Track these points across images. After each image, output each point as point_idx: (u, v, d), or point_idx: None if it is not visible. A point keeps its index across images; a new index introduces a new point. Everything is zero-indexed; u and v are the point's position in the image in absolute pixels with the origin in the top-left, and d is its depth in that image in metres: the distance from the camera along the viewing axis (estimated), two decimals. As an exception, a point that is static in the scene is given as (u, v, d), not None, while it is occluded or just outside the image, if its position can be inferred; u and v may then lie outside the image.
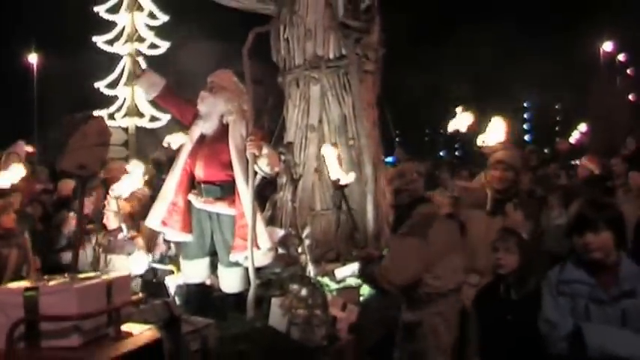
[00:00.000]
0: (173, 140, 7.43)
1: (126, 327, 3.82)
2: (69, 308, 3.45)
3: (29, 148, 9.85)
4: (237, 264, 6.62)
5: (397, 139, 11.26)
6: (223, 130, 6.72)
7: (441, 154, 46.62)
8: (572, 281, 3.53)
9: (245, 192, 6.52)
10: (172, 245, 7.35)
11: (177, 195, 6.73)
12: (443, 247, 5.17)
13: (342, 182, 7.96)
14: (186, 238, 6.76)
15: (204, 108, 6.79)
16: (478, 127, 6.35)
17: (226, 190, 6.62)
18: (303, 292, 5.96)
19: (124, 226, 7.02)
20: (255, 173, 6.72)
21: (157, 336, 3.89)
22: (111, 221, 7.06)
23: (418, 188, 5.26)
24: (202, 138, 6.80)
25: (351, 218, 8.31)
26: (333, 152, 8.06)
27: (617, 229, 3.54)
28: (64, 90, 30.68)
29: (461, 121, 6.29)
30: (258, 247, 6.49)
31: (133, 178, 7.03)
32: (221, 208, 6.67)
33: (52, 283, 3.65)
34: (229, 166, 6.60)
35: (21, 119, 31.65)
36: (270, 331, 6.10)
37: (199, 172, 6.72)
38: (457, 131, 6.33)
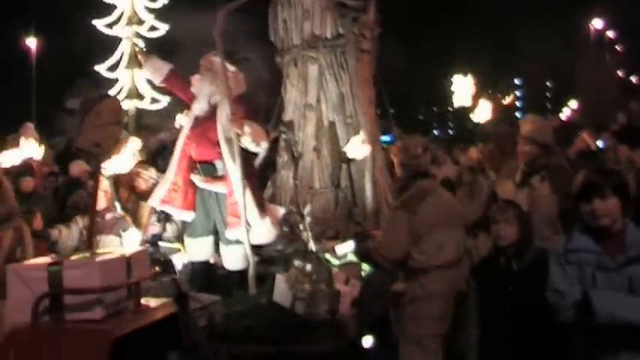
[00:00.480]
0: (182, 121, 7.51)
1: (143, 300, 3.93)
2: (92, 282, 3.55)
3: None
4: (237, 241, 6.75)
5: (393, 119, 11.32)
6: (212, 111, 6.84)
7: (435, 132, 46.69)
8: (579, 250, 3.60)
9: (232, 170, 6.63)
10: (167, 226, 7.47)
11: (176, 175, 6.88)
12: (430, 222, 5.31)
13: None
14: (188, 216, 6.92)
15: (195, 90, 7.00)
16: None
17: (222, 169, 6.76)
18: (308, 267, 6.06)
19: (117, 204, 7.10)
20: (251, 153, 6.83)
21: (173, 309, 4.00)
22: (99, 201, 7.07)
23: (422, 163, 5.38)
24: (196, 119, 6.96)
25: (352, 194, 8.43)
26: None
27: (623, 195, 3.60)
28: (64, 73, 30.70)
29: (462, 90, 6.43)
30: (249, 225, 6.59)
31: (124, 157, 7.07)
32: (219, 187, 6.79)
33: (73, 258, 3.75)
34: (218, 144, 6.73)
35: (20, 103, 31.59)
36: (274, 307, 6.21)
37: (193, 152, 6.89)
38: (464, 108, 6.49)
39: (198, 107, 6.93)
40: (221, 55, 6.71)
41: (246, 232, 6.56)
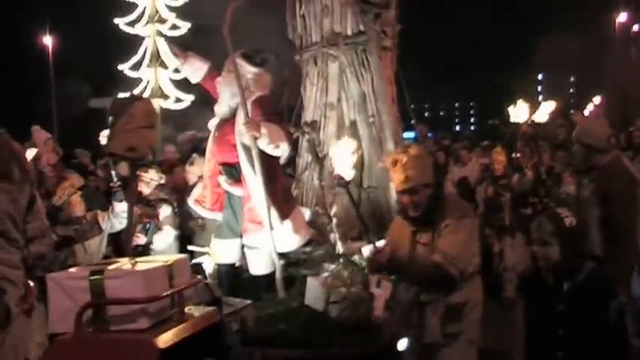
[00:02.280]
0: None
1: (186, 309, 3.81)
2: (135, 291, 3.43)
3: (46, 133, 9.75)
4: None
5: (414, 118, 11.19)
6: (233, 114, 6.78)
7: (457, 128, 46.64)
8: None
9: (250, 174, 6.56)
10: (156, 238, 7.35)
11: (207, 176, 6.96)
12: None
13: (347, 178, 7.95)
14: (215, 216, 6.96)
15: (218, 93, 6.92)
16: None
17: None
18: (343, 270, 5.97)
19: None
20: (272, 155, 6.71)
21: (217, 318, 3.89)
22: (76, 209, 6.97)
23: None
24: (219, 122, 6.95)
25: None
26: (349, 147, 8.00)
27: None
28: (85, 72, 30.76)
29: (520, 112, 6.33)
30: (272, 227, 6.51)
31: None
32: (240, 190, 6.74)
33: (111, 267, 3.63)
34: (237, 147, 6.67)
35: (38, 103, 31.71)
36: (307, 310, 6.12)
37: (216, 155, 6.89)
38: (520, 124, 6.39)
39: (220, 110, 6.88)
40: (231, 53, 6.59)
41: (270, 236, 6.45)
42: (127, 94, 21.18)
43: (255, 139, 6.48)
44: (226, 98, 6.80)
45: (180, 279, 3.77)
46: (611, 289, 3.99)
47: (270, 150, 6.64)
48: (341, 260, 6.54)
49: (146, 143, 4.18)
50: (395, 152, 4.44)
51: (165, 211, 7.53)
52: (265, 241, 6.52)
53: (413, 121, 11.23)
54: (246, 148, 6.57)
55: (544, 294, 4.24)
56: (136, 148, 4.13)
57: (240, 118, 6.63)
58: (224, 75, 6.87)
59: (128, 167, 4.71)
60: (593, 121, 5.95)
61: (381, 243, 4.67)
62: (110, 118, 4.16)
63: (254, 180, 6.51)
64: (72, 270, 3.79)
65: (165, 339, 3.39)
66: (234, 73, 6.57)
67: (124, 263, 3.75)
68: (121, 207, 6.62)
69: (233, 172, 6.79)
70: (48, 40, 34.15)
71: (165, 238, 7.46)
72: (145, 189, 7.50)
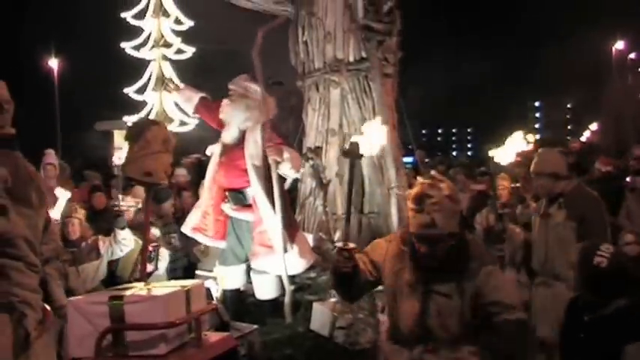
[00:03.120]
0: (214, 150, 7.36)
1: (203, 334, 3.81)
2: (154, 317, 3.44)
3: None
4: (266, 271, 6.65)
5: (413, 143, 11.24)
6: (242, 138, 6.75)
7: (454, 154, 46.87)
8: None
9: (263, 198, 6.53)
10: (159, 264, 7.28)
11: (208, 203, 6.84)
12: None
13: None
14: (219, 244, 6.82)
15: (225, 117, 6.84)
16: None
17: (251, 197, 6.68)
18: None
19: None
20: (283, 178, 6.73)
21: (233, 343, 3.90)
22: (75, 231, 6.74)
23: None
24: (224, 146, 6.85)
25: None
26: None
27: None
28: (90, 95, 30.90)
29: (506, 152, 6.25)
30: (286, 251, 6.48)
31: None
32: (249, 215, 6.70)
33: (131, 292, 3.64)
34: (247, 172, 6.63)
35: (44, 125, 31.77)
36: (312, 335, 6.13)
37: (222, 181, 6.80)
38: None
39: (229, 134, 6.81)
40: (260, 78, 6.61)
41: (282, 260, 6.44)
42: (135, 117, 21.47)
43: (277, 163, 6.50)
44: (238, 122, 6.75)
45: (197, 304, 3.78)
46: None
47: (292, 175, 6.68)
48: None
49: (162, 168, 4.20)
50: (422, 183, 3.55)
51: (155, 234, 7.44)
52: (276, 265, 6.49)
53: (411, 146, 11.29)
54: (258, 172, 6.56)
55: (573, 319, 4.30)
56: (152, 172, 4.15)
57: (252, 141, 6.63)
58: (234, 99, 6.79)
59: (144, 191, 4.71)
60: (548, 151, 6.00)
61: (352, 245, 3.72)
62: (127, 143, 4.18)
63: (267, 203, 6.49)
64: (92, 295, 3.80)
65: (185, 364, 3.41)
66: (262, 96, 6.61)
67: (142, 288, 3.76)
68: (122, 234, 6.59)
69: (240, 197, 6.75)
70: (53, 63, 34.35)
71: (164, 261, 7.43)
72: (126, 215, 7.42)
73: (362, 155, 3.69)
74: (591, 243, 4.33)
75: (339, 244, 3.74)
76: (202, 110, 7.20)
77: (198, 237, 6.87)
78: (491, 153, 6.28)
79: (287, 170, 6.56)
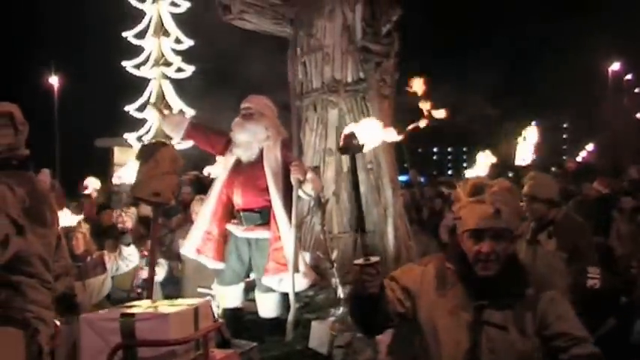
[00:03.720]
0: (213, 170, 7.44)
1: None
2: (164, 333, 3.53)
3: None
4: (271, 289, 6.68)
5: (407, 163, 11.40)
6: (259, 156, 6.77)
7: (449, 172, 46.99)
8: None
9: (282, 216, 6.55)
10: (158, 271, 7.35)
11: (211, 224, 6.83)
12: None
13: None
14: (220, 265, 6.86)
15: (243, 136, 6.77)
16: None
17: (265, 216, 6.67)
18: (347, 314, 6.06)
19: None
20: (299, 197, 6.75)
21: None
22: (79, 246, 6.75)
23: None
24: (237, 165, 6.84)
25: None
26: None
27: None
28: (90, 113, 31.10)
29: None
30: (298, 270, 6.52)
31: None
32: (260, 233, 6.72)
33: (141, 309, 3.74)
34: (266, 191, 6.63)
35: (43, 143, 31.92)
36: (311, 354, 6.21)
37: (238, 200, 6.77)
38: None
39: (249, 153, 6.78)
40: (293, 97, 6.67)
41: (291, 278, 6.47)
42: (135, 134, 21.63)
43: (300, 182, 6.55)
44: (259, 140, 6.74)
45: (204, 321, 3.88)
46: None
47: (313, 195, 6.73)
48: (342, 305, 6.63)
49: (170, 189, 4.32)
50: (472, 179, 3.10)
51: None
52: (285, 283, 6.52)
53: (406, 165, 11.43)
54: (279, 189, 6.58)
55: None
56: (160, 193, 4.27)
57: (272, 159, 6.67)
58: (257, 118, 6.77)
59: (152, 211, 4.80)
60: (544, 176, 6.07)
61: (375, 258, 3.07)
62: (137, 163, 4.30)
63: (287, 221, 6.51)
64: (103, 312, 3.89)
65: (193, 381, 3.50)
66: (269, 114, 6.71)
67: (151, 305, 3.85)
68: (128, 250, 6.67)
69: (255, 217, 6.73)
70: (54, 81, 34.62)
71: (162, 270, 7.53)
72: (129, 222, 7.54)
73: (362, 147, 3.12)
74: (581, 267, 4.44)
75: (359, 261, 3.05)
76: (194, 134, 7.11)
77: (202, 259, 6.85)
78: (467, 174, 6.39)
79: (309, 190, 6.61)
